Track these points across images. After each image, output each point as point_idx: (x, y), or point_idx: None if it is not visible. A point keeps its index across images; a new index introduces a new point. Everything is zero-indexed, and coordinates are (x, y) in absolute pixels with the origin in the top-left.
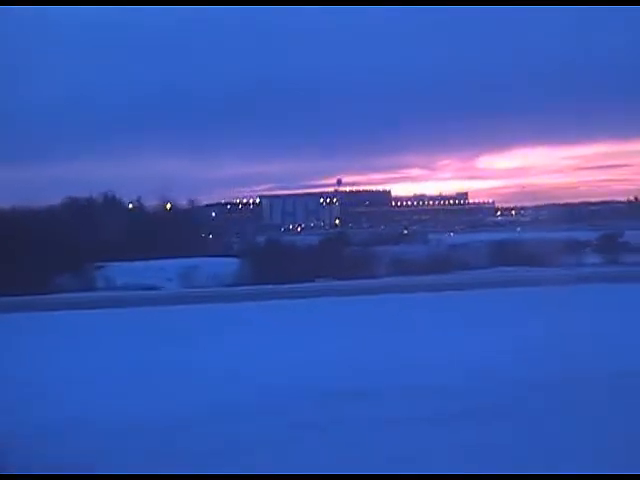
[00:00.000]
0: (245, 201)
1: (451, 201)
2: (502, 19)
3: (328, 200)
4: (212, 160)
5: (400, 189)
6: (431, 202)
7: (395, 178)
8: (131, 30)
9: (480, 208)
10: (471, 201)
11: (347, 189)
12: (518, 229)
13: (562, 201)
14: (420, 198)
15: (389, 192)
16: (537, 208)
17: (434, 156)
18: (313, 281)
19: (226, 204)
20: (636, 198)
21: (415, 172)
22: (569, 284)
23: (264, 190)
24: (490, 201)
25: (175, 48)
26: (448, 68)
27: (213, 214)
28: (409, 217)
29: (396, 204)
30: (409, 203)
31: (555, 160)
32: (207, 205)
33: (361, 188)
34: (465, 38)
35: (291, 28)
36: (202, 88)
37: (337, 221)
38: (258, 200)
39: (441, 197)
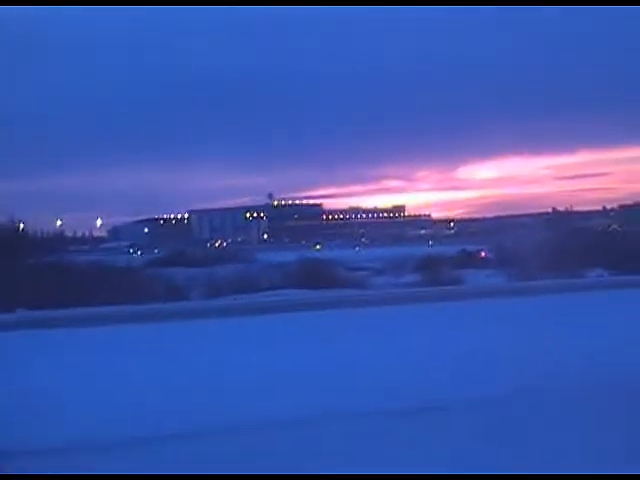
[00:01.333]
0: (179, 216)
1: (387, 214)
2: (481, 29)
3: (255, 215)
4: (188, 172)
5: (378, 201)
6: (364, 215)
7: (373, 190)
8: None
9: (415, 221)
10: (408, 214)
11: (279, 203)
12: (430, 243)
13: (537, 211)
14: (355, 211)
15: (320, 205)
16: (498, 219)
17: (413, 167)
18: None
19: (158, 219)
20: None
21: (393, 183)
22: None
23: (247, 202)
24: (427, 214)
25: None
26: (427, 77)
27: (145, 230)
28: (336, 231)
29: (327, 218)
30: (341, 217)
31: (534, 170)
32: (139, 221)
33: (296, 202)
34: (445, 48)
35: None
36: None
37: (265, 236)
38: (187, 215)
39: (376, 210)
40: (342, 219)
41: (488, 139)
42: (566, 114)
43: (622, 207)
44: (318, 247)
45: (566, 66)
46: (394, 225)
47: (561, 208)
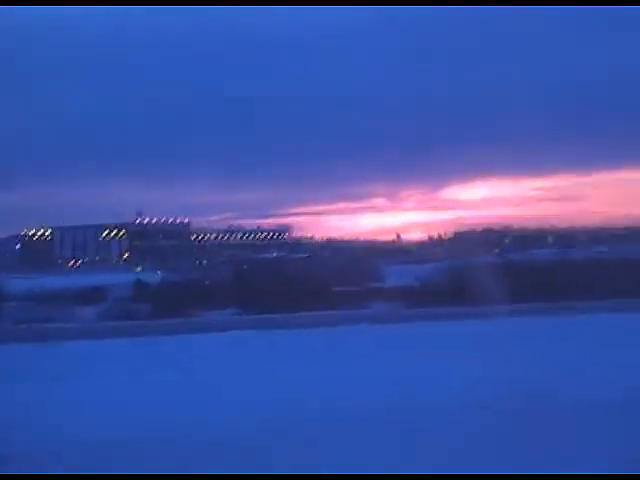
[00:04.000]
0: (41, 232)
1: (269, 235)
2: (466, 52)
3: (113, 234)
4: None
5: (363, 220)
6: (241, 236)
7: (358, 208)
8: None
9: (297, 243)
10: (291, 236)
11: (141, 221)
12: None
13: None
14: (232, 230)
15: (188, 225)
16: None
17: (398, 187)
18: None
19: (24, 235)
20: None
21: (378, 202)
22: None
23: (224, 219)
24: (309, 236)
25: None
26: (414, 99)
27: (17, 245)
28: (202, 250)
29: (197, 238)
30: (213, 236)
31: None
32: (14, 235)
33: (162, 220)
34: (431, 71)
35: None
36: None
37: (126, 255)
38: (49, 231)
39: (258, 230)
40: (216, 239)
41: (471, 161)
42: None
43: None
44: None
45: (552, 92)
46: (273, 246)
47: None
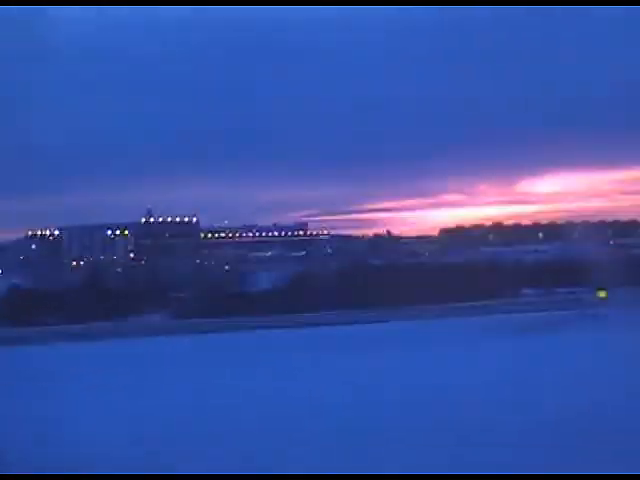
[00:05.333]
0: (49, 232)
1: (288, 232)
2: (535, 45)
3: (118, 233)
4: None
5: (438, 215)
6: (255, 233)
7: (432, 203)
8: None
9: (313, 239)
10: (310, 232)
11: (148, 219)
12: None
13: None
14: (247, 229)
15: (197, 223)
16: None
17: (473, 181)
18: None
19: (42, 235)
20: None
21: (453, 197)
22: None
23: (304, 216)
24: (325, 232)
25: None
26: (484, 97)
27: (33, 246)
28: (209, 249)
29: (205, 236)
30: (222, 235)
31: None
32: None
33: (168, 219)
34: (501, 64)
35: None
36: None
37: (132, 254)
38: (57, 232)
39: (277, 227)
40: (220, 237)
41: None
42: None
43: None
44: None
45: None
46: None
47: None
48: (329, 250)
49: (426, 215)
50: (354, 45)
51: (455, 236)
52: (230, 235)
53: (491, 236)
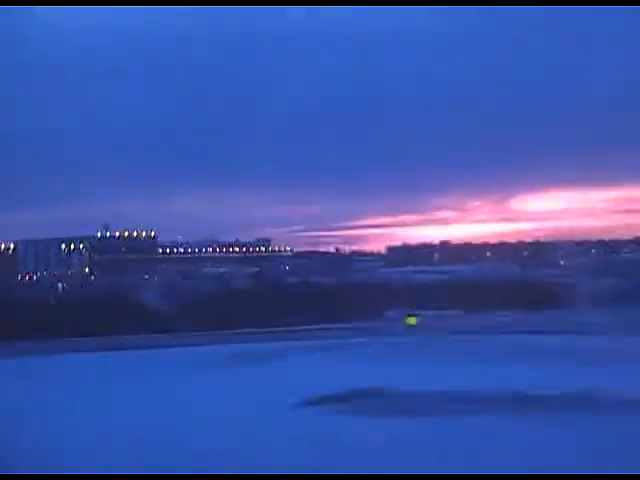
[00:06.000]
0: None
1: (250, 248)
2: (529, 62)
3: (72, 247)
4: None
5: (429, 232)
6: (214, 249)
7: (424, 220)
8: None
9: (276, 255)
10: (273, 249)
11: (104, 235)
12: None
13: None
14: (207, 244)
15: (154, 238)
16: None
17: (465, 198)
18: None
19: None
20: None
21: (445, 214)
22: None
23: (295, 231)
24: (288, 249)
25: None
26: (479, 112)
27: None
28: (162, 265)
29: (163, 252)
30: (182, 250)
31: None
32: None
33: (125, 234)
34: (496, 76)
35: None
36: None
37: (87, 269)
38: (12, 245)
39: (238, 243)
40: (178, 253)
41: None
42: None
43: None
44: None
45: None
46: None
47: None
48: (286, 267)
49: (417, 231)
50: (342, 57)
51: (399, 254)
52: (189, 251)
53: (436, 255)
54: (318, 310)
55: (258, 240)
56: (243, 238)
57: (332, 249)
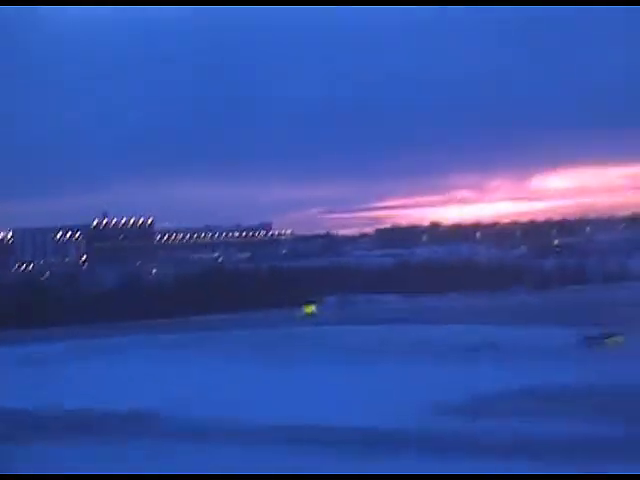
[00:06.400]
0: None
1: (250, 233)
2: (549, 44)
3: (68, 236)
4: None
5: (448, 212)
6: (214, 235)
7: (443, 200)
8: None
9: (275, 240)
10: (272, 233)
11: (99, 223)
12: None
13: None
14: (207, 230)
15: (151, 224)
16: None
17: (485, 177)
18: None
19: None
20: None
21: (464, 194)
22: None
23: (316, 214)
24: (288, 232)
25: None
26: (495, 93)
27: None
28: (159, 251)
29: (161, 239)
30: (181, 237)
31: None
32: None
33: (122, 222)
34: (516, 57)
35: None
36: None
37: (84, 257)
38: (10, 234)
39: (239, 228)
40: (177, 239)
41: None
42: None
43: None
44: None
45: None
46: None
47: None
48: (284, 251)
49: (436, 212)
50: (356, 47)
51: (389, 236)
52: (188, 237)
53: (425, 237)
54: (241, 299)
55: (259, 225)
56: (264, 219)
57: (336, 232)
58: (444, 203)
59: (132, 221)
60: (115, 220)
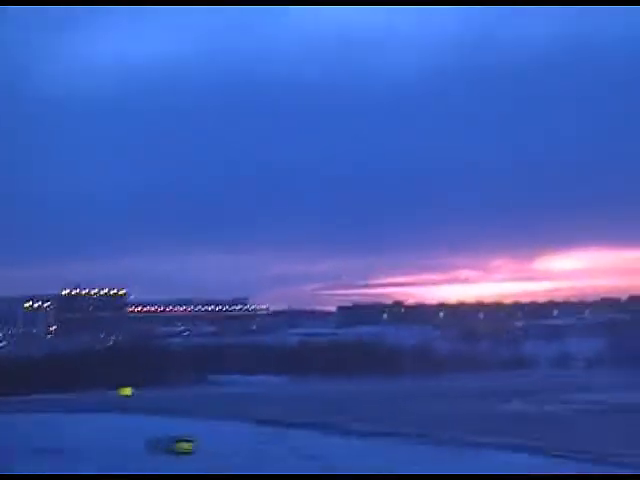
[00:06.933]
0: None
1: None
2: (560, 114)
3: (36, 305)
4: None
5: (452, 291)
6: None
7: (446, 279)
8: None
9: (250, 314)
10: (247, 308)
11: (69, 293)
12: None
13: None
14: (181, 303)
15: (124, 296)
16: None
17: (487, 257)
18: None
19: None
20: None
21: (467, 273)
22: None
23: (317, 289)
24: (265, 307)
25: None
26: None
27: None
28: (129, 323)
29: (134, 310)
30: (152, 309)
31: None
32: None
33: (92, 292)
34: (520, 135)
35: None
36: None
37: (52, 328)
38: None
39: (213, 302)
40: (150, 311)
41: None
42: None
43: None
44: None
45: None
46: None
47: None
48: (253, 327)
49: (439, 290)
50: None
51: (350, 313)
52: (161, 309)
53: (385, 315)
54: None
55: (234, 300)
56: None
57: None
58: (448, 282)
59: (104, 292)
60: (86, 291)
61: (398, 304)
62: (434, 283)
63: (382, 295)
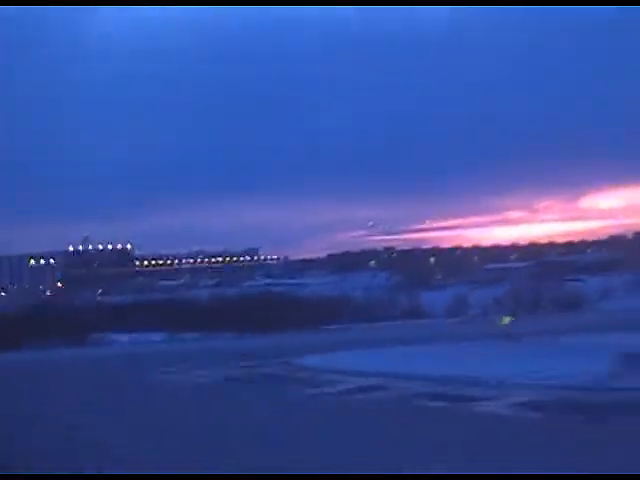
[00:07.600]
0: None
1: (234, 258)
2: (601, 58)
3: (43, 262)
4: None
5: (500, 232)
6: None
7: (494, 221)
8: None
9: (265, 264)
10: (258, 258)
11: (76, 249)
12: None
13: None
14: (192, 255)
15: (129, 251)
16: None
17: (534, 198)
18: None
19: None
20: None
21: (514, 214)
22: None
23: (360, 236)
24: (275, 257)
25: None
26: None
27: None
28: (134, 278)
29: (141, 264)
30: (161, 262)
31: None
32: None
33: (99, 247)
34: (566, 78)
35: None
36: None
37: (59, 284)
38: None
39: (224, 253)
40: (158, 265)
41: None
42: None
43: None
44: None
45: None
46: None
47: None
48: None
49: (488, 232)
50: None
51: (340, 260)
52: (169, 262)
53: (373, 262)
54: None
55: (244, 250)
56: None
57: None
58: (496, 223)
59: (110, 247)
60: (92, 247)
61: (388, 250)
62: (485, 225)
63: (423, 240)
